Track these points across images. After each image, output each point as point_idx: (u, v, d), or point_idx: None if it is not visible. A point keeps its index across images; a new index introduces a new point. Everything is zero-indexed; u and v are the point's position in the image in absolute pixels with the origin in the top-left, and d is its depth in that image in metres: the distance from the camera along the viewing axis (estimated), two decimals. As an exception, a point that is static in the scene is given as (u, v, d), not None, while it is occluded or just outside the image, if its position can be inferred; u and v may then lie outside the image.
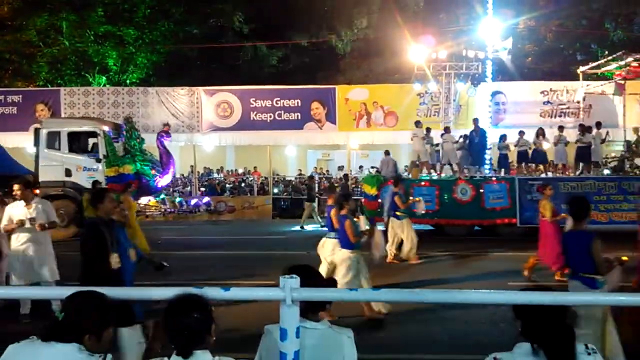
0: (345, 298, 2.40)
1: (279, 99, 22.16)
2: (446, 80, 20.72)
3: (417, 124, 16.58)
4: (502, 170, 16.53)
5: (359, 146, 23.77)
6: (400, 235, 10.68)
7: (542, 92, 21.71)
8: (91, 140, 15.26)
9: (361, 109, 22.15)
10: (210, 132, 22.07)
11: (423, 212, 12.46)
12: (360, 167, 25.23)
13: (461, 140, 16.52)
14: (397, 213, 10.66)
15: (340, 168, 25.00)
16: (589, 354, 2.14)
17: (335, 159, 26.81)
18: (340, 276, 6.72)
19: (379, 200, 13.87)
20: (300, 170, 25.46)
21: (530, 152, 16.43)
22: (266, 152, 23.01)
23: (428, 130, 16.65)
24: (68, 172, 14.53)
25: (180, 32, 27.59)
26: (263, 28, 27.45)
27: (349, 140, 22.69)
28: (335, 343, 2.50)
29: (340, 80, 25.60)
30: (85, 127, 15.22)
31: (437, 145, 16.50)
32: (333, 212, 7.51)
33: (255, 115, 22.09)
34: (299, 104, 22.11)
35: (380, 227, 11.33)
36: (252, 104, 22.11)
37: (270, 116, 22.10)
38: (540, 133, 16.36)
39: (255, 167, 24.94)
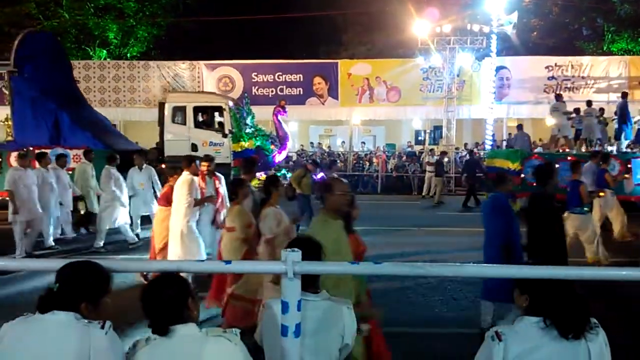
0: (346, 271, 2.39)
1: (280, 73, 22.00)
2: (450, 55, 20.54)
3: (558, 97, 15.88)
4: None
5: (361, 122, 23.65)
6: (608, 213, 10.13)
7: (546, 67, 21.52)
8: (216, 115, 14.78)
9: (364, 84, 21.99)
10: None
11: (631, 189, 11.60)
12: (363, 143, 25.16)
13: (598, 113, 15.69)
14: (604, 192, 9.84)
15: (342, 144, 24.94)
16: (592, 328, 2.13)
17: (338, 135, 26.71)
18: None
19: (522, 176, 13.59)
20: (302, 145, 25.39)
21: None
22: (268, 127, 22.89)
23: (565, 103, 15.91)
24: (194, 147, 14.00)
25: (180, 5, 27.26)
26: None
27: (351, 115, 22.57)
28: (335, 314, 2.52)
29: (342, 55, 25.37)
30: (212, 102, 14.85)
31: (572, 119, 15.96)
32: (582, 188, 7.71)
33: (257, 90, 21.95)
34: (301, 79, 21.96)
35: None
36: (254, 79, 21.96)
37: (272, 91, 21.97)
38: None
39: (256, 143, 24.86)
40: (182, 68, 21.98)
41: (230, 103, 14.73)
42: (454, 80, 20.97)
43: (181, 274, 2.21)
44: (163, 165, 13.33)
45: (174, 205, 6.55)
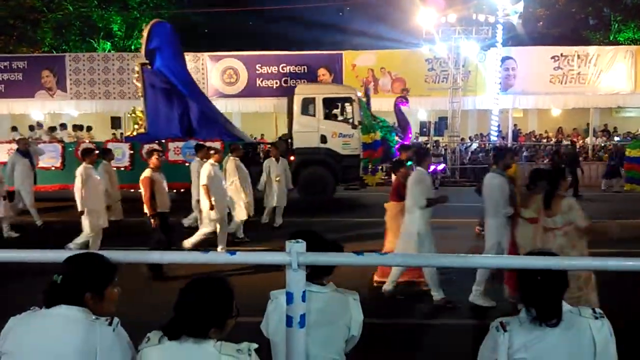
0: (350, 262, 2.38)
1: (285, 65, 21.91)
2: (455, 45, 20.41)
3: None
4: None
5: (365, 113, 23.52)
6: None
7: (552, 58, 21.31)
8: (345, 106, 14.47)
9: (368, 75, 21.88)
10: (216, 98, 21.91)
11: None
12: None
13: None
14: None
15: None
16: (597, 318, 2.12)
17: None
18: None
19: None
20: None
21: None
22: (272, 119, 22.87)
23: None
24: (323, 139, 13.78)
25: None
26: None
27: (356, 107, 22.45)
28: (341, 305, 2.53)
29: (347, 46, 25.21)
30: (341, 93, 14.63)
31: None
32: None
33: (261, 81, 21.88)
34: (306, 71, 21.86)
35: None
36: (258, 70, 21.88)
37: (277, 83, 21.89)
38: None
39: (262, 135, 24.81)
40: (186, 60, 21.89)
41: (359, 94, 14.42)
42: (459, 71, 20.84)
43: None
44: (292, 157, 13.26)
45: (408, 204, 6.21)
